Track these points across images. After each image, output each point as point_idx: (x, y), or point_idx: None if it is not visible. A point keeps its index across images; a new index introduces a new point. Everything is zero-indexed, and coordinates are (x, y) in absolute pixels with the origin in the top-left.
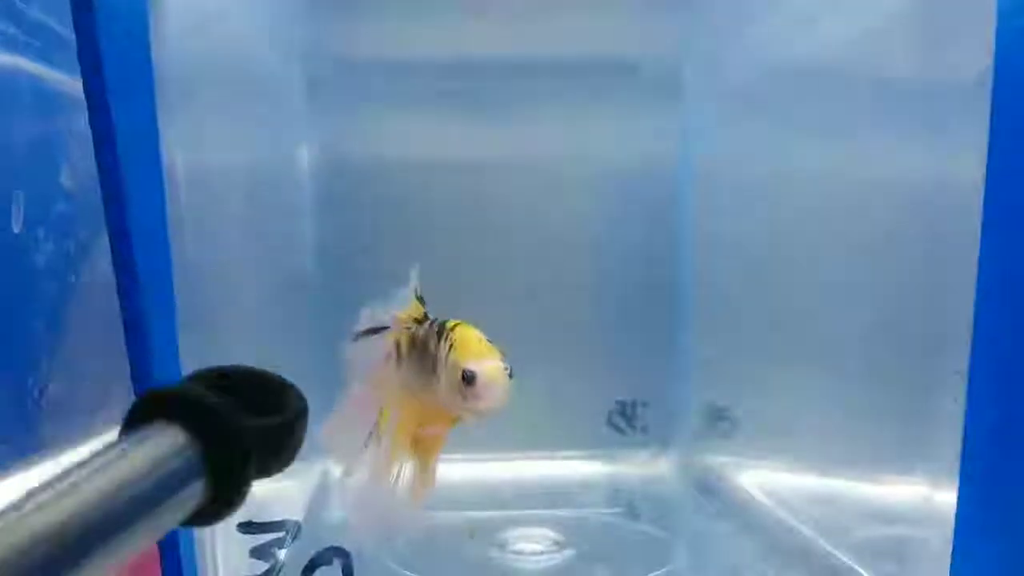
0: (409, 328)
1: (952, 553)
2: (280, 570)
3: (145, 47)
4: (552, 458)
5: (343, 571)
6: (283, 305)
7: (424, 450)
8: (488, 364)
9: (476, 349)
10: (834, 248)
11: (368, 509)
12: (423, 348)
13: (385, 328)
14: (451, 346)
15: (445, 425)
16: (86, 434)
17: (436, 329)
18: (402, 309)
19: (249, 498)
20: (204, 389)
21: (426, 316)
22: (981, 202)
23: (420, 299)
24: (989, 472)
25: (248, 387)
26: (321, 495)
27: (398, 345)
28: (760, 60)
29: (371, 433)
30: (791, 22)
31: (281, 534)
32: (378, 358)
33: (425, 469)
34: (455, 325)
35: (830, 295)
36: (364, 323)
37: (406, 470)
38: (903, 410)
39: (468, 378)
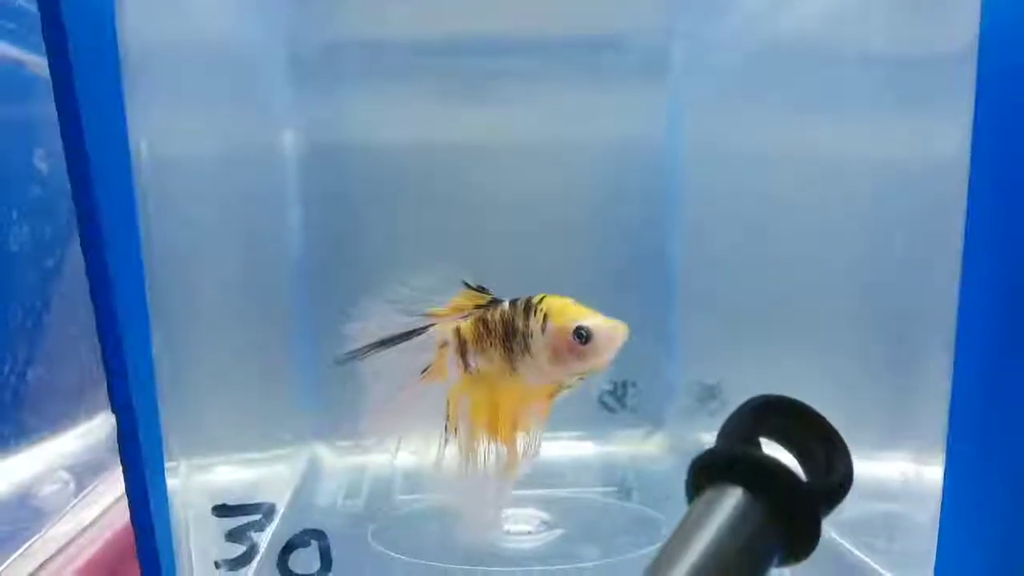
0: (467, 315)
1: (939, 528)
2: (257, 553)
3: (111, 28)
4: (543, 438)
5: (320, 552)
6: (268, 288)
7: (506, 433)
8: (598, 318)
9: (575, 310)
10: (823, 225)
11: (469, 498)
12: (509, 329)
13: (426, 328)
14: (545, 315)
15: (542, 402)
16: (70, 420)
17: (523, 306)
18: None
19: (233, 482)
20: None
21: (494, 299)
22: (966, 176)
23: (480, 288)
24: (974, 447)
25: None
26: (309, 479)
27: (459, 333)
28: (748, 37)
29: (446, 425)
30: None
31: (257, 517)
32: (422, 356)
33: (512, 452)
34: (541, 298)
35: (819, 272)
36: (370, 330)
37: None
38: (890, 387)
39: (583, 335)
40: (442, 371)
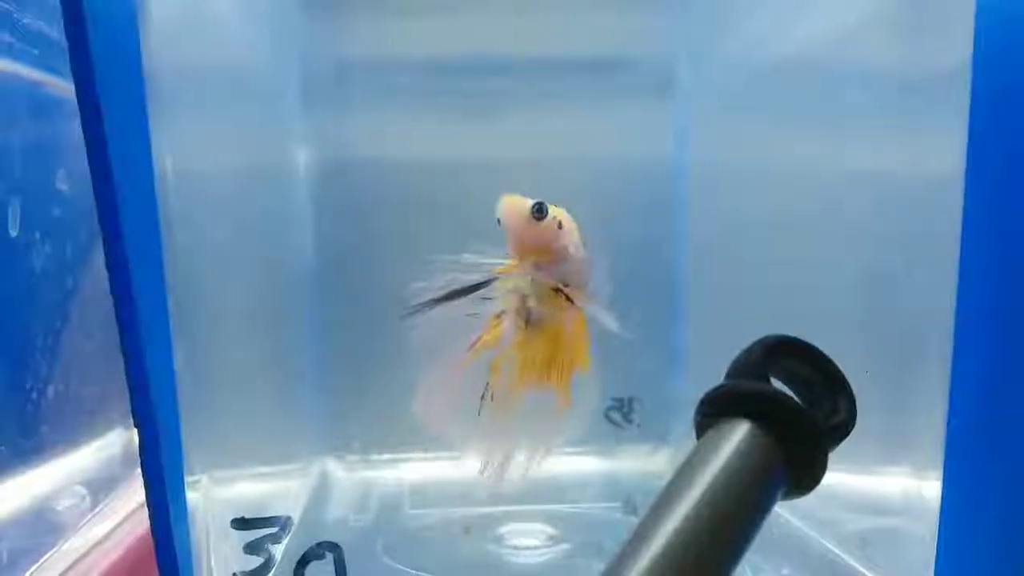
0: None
1: (938, 542)
2: (274, 565)
3: (135, 55)
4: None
5: (335, 565)
6: (282, 305)
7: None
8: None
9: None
10: (825, 242)
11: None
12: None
13: (488, 282)
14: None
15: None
16: (86, 435)
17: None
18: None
19: (247, 496)
20: (769, 385)
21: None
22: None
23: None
24: (972, 462)
25: (798, 369)
26: (320, 493)
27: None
28: (752, 57)
29: (483, 396)
30: (782, 17)
31: (274, 529)
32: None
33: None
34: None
35: (820, 289)
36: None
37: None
38: (889, 403)
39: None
40: (496, 339)
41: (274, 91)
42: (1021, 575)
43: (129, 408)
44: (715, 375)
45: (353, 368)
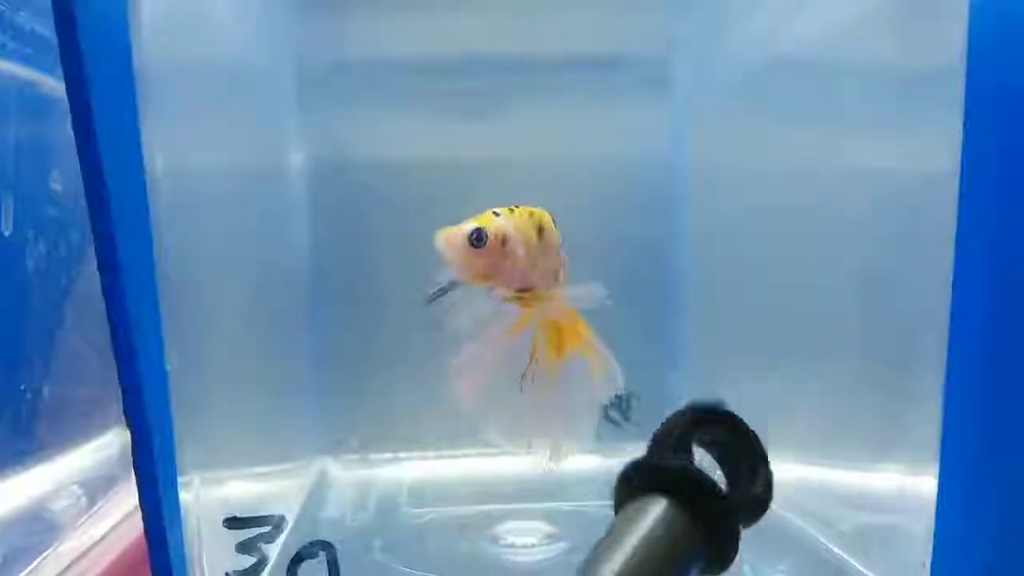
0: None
1: (934, 538)
2: (267, 564)
3: (126, 54)
4: None
5: (328, 564)
6: (278, 305)
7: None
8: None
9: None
10: (821, 239)
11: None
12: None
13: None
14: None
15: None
16: (82, 436)
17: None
18: None
19: (244, 496)
20: (687, 462)
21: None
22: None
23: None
24: (968, 458)
25: (723, 440)
26: (317, 493)
27: None
28: (750, 54)
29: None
30: (779, 16)
31: (267, 528)
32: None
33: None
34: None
35: (816, 286)
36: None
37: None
38: (885, 399)
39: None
40: (529, 319)
41: (270, 89)
42: (1016, 572)
43: None
44: (713, 373)
45: (350, 367)
